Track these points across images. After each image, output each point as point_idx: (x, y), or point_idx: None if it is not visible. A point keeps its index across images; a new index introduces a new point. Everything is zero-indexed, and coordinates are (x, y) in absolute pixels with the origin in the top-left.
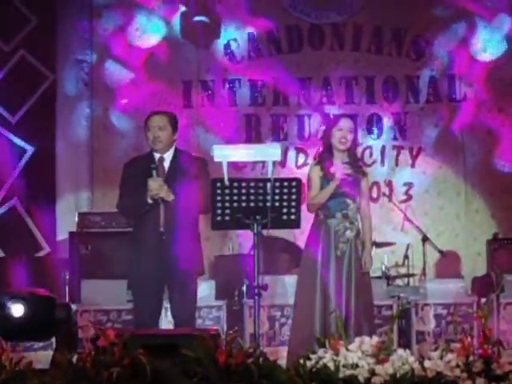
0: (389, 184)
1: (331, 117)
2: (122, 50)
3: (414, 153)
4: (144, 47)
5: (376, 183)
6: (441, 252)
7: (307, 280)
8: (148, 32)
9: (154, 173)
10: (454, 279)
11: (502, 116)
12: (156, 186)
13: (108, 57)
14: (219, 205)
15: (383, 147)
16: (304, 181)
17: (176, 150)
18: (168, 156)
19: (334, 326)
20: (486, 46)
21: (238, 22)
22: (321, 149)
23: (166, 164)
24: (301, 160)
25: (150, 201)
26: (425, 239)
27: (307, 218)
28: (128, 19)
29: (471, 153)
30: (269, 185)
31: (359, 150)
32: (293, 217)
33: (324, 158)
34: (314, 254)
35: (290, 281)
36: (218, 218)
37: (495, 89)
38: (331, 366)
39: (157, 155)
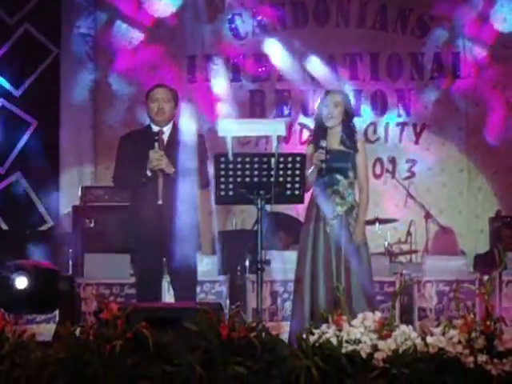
0: (392, 161)
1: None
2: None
3: (418, 129)
4: (154, 14)
5: (379, 160)
6: (444, 229)
7: (301, 255)
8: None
9: (156, 145)
10: (456, 256)
11: (506, 93)
12: (157, 157)
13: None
14: (223, 180)
15: (387, 124)
16: None
17: (174, 124)
18: (167, 130)
19: (323, 301)
20: (500, 17)
21: None
22: (314, 126)
23: (165, 137)
24: (305, 136)
25: (149, 173)
26: (427, 216)
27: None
28: None
29: (474, 129)
30: (273, 160)
31: (363, 126)
32: (296, 192)
33: (317, 136)
34: (306, 230)
35: (293, 256)
36: (222, 193)
37: (500, 67)
38: (334, 341)
39: (156, 128)
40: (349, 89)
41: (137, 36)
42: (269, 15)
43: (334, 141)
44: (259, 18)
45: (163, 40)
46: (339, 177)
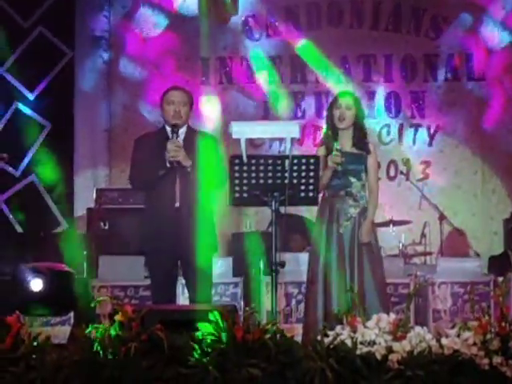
0: (406, 163)
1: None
2: (138, 36)
3: (432, 131)
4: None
5: (393, 162)
6: (458, 230)
7: (314, 258)
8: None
9: (174, 136)
10: (471, 258)
11: None
12: (174, 148)
13: (125, 40)
14: (237, 181)
15: (401, 125)
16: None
17: (189, 127)
18: (181, 133)
19: (336, 302)
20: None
21: None
22: (325, 127)
23: (180, 140)
24: (319, 137)
25: (168, 164)
26: (442, 218)
27: None
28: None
29: (489, 131)
30: (287, 162)
31: (377, 128)
32: (310, 194)
33: (329, 138)
34: (319, 232)
35: (307, 258)
36: (236, 195)
37: None
38: (348, 342)
39: (170, 130)
40: (362, 90)
41: (154, 28)
42: (282, 16)
43: (346, 143)
44: (273, 19)
45: (178, 39)
46: (352, 179)
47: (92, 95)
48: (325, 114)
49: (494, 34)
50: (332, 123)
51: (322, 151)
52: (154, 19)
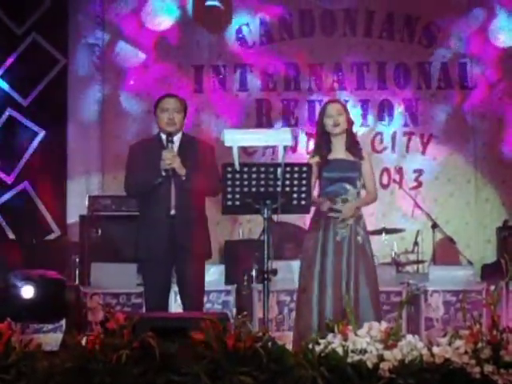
0: (399, 170)
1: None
2: (134, 33)
3: (425, 139)
4: (156, 30)
5: (386, 170)
6: (448, 238)
7: (307, 265)
8: (161, 15)
9: (169, 145)
10: (463, 266)
11: None
12: (169, 156)
13: (120, 38)
14: (229, 189)
15: (394, 133)
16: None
17: (184, 134)
18: (176, 140)
19: (330, 311)
20: (500, 33)
21: (250, 7)
22: (316, 138)
23: (175, 147)
24: (311, 145)
25: (163, 173)
26: (434, 226)
27: None
28: (142, 1)
29: (482, 140)
30: (279, 170)
31: (370, 135)
32: (303, 202)
33: (322, 146)
34: (313, 239)
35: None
36: (229, 203)
37: (507, 76)
38: (340, 351)
39: (165, 137)
40: (356, 98)
41: (141, 54)
42: (276, 24)
43: (339, 150)
44: (266, 27)
45: (170, 52)
46: (348, 186)
47: (85, 102)
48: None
49: (486, 44)
50: (324, 132)
51: (315, 159)
52: (155, 17)
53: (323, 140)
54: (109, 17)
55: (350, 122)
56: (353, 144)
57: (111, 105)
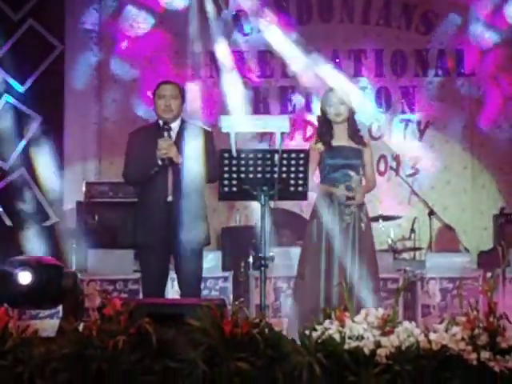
0: (396, 158)
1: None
2: (128, 28)
3: (422, 126)
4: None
5: (383, 157)
6: (448, 226)
7: (311, 251)
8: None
9: (165, 134)
10: (460, 253)
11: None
12: (165, 146)
13: (114, 33)
14: (226, 176)
15: (391, 121)
16: None
17: (182, 120)
18: (175, 126)
19: (336, 297)
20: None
21: None
22: (318, 124)
23: (173, 134)
24: (309, 132)
25: (159, 162)
26: (431, 213)
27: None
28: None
29: (479, 127)
30: (276, 156)
31: (367, 123)
32: (300, 188)
33: (324, 133)
34: (317, 226)
35: (296, 253)
36: (226, 189)
37: (505, 64)
38: (337, 337)
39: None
40: (353, 85)
41: (145, 23)
42: (273, 11)
43: (341, 137)
44: (263, 14)
45: (168, 36)
46: (351, 173)
47: (82, 88)
48: (314, 108)
49: (483, 32)
50: (326, 120)
51: (318, 147)
52: (143, 15)
53: (325, 126)
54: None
55: (353, 111)
56: (355, 131)
57: (108, 91)
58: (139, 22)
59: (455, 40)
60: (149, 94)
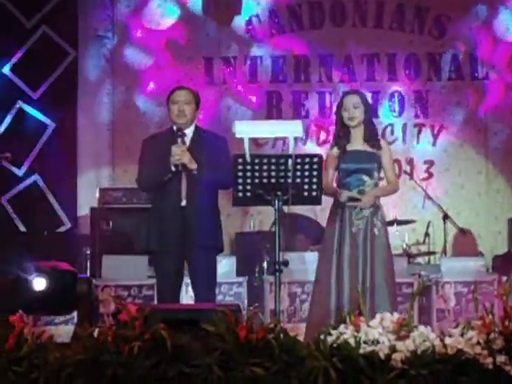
0: (410, 162)
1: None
2: (141, 33)
3: (436, 131)
4: (161, 29)
5: (397, 161)
6: (461, 230)
7: (324, 257)
8: (163, 15)
9: (179, 140)
10: (475, 257)
11: None
12: (179, 152)
13: (128, 40)
14: (240, 181)
15: (405, 125)
16: (325, 158)
17: (197, 127)
18: (189, 132)
19: (347, 302)
20: (509, 26)
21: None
22: (335, 129)
23: (187, 140)
24: (322, 137)
25: (173, 168)
26: (445, 217)
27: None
28: (144, 2)
29: (493, 131)
30: (290, 161)
31: (380, 127)
32: (314, 193)
33: (340, 138)
34: (331, 230)
35: (311, 257)
36: (239, 194)
37: None
38: (352, 342)
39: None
40: (366, 90)
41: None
42: (285, 16)
43: (357, 141)
44: (276, 19)
45: (181, 43)
46: (365, 177)
47: (95, 94)
48: (327, 113)
49: (498, 34)
50: (342, 124)
51: (334, 151)
52: (158, 18)
53: (342, 131)
54: (118, 13)
55: (369, 113)
56: (371, 135)
57: (121, 97)
58: (155, 23)
59: (469, 43)
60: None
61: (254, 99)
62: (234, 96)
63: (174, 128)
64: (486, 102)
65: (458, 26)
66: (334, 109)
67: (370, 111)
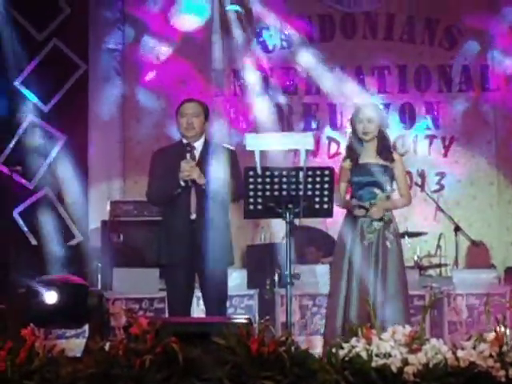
0: (421, 174)
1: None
2: (159, 30)
3: (447, 142)
4: (181, 29)
5: (408, 173)
6: (473, 242)
7: (336, 270)
8: (189, 13)
9: (188, 155)
10: (487, 269)
11: None
12: (188, 168)
13: (143, 34)
14: (251, 193)
15: (415, 137)
16: (336, 170)
17: (206, 139)
18: (198, 145)
19: (354, 315)
20: None
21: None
22: (348, 141)
23: (197, 153)
24: (333, 149)
25: (182, 183)
26: (457, 229)
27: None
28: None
29: (504, 142)
30: (301, 173)
31: (391, 139)
32: (325, 206)
33: (353, 150)
34: (343, 243)
35: (322, 270)
36: (251, 207)
37: None
38: (364, 355)
39: (185, 145)
40: (377, 102)
41: (164, 51)
42: (296, 28)
43: (370, 154)
44: (286, 31)
45: (191, 54)
46: (377, 190)
47: (106, 107)
48: (340, 125)
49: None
50: (356, 136)
51: (347, 164)
52: (167, 36)
53: (355, 143)
54: (133, 13)
55: (383, 126)
56: (384, 148)
57: (132, 110)
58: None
59: (479, 55)
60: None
61: (264, 111)
62: (244, 108)
63: (184, 141)
64: (497, 113)
65: (469, 36)
66: (346, 121)
67: (385, 124)
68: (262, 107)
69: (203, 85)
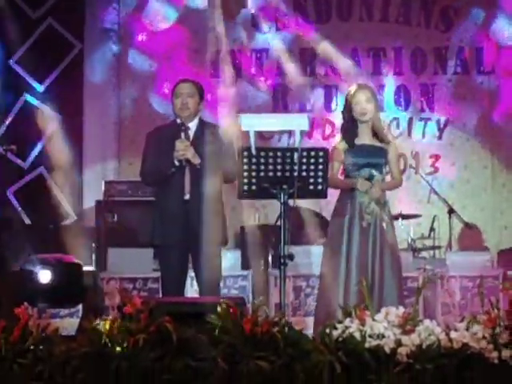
0: (415, 156)
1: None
2: (146, 35)
3: (442, 125)
4: (165, 28)
5: (403, 155)
6: (466, 224)
7: (332, 250)
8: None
9: (182, 135)
10: (480, 252)
11: None
12: (182, 147)
13: (134, 35)
14: (246, 174)
15: (410, 119)
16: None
17: (200, 120)
18: (193, 125)
19: (354, 296)
20: None
21: None
22: (343, 122)
23: (191, 133)
24: (328, 131)
25: (176, 162)
26: (451, 211)
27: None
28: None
29: (499, 125)
30: (296, 154)
31: (386, 121)
32: (319, 187)
33: (348, 131)
34: (338, 224)
35: (316, 251)
36: (245, 188)
37: None
38: (357, 335)
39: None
40: (372, 83)
41: (163, 22)
42: (292, 10)
43: (365, 136)
44: (282, 13)
45: (187, 33)
46: (374, 172)
47: (101, 87)
48: (333, 107)
49: (505, 28)
50: (351, 117)
51: (342, 145)
52: (164, 12)
53: (350, 125)
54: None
55: (378, 108)
56: (379, 129)
57: (127, 90)
58: (160, 15)
59: (475, 37)
60: (166, 90)
61: (259, 92)
62: (240, 89)
63: (178, 121)
64: (492, 96)
65: (466, 18)
66: (340, 102)
67: (379, 106)
68: (256, 88)
69: (199, 66)
